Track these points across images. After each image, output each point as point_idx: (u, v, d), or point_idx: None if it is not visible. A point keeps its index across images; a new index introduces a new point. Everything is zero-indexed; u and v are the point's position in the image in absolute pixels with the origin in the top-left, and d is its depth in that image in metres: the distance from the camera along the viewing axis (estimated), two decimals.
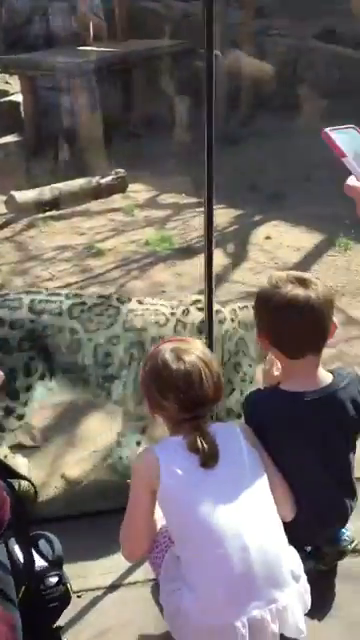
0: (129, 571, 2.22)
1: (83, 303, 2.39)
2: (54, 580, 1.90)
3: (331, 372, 1.94)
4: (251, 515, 1.72)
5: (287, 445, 1.86)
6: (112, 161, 5.79)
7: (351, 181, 1.13)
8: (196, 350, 1.81)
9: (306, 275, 1.88)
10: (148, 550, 1.89)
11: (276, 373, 2.04)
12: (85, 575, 2.19)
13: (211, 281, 2.17)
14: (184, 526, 1.74)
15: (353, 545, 2.11)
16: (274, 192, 5.29)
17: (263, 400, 1.93)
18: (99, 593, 2.15)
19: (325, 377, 1.90)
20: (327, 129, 1.14)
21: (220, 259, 4.41)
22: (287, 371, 1.92)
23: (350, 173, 1.14)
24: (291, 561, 1.77)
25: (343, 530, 2.10)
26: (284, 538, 1.76)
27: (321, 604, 1.92)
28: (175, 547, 1.80)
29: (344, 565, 2.16)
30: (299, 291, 1.80)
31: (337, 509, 2.00)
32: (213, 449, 1.74)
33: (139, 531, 1.86)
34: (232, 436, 1.82)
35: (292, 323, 1.82)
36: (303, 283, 1.82)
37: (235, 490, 1.73)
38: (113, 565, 2.23)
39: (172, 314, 2.41)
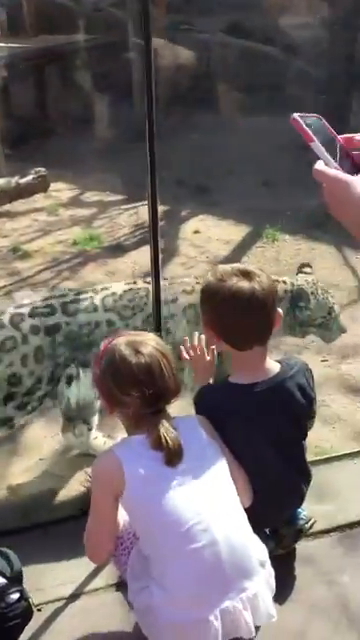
0: (88, 579, 2.18)
1: (114, 293, 2.49)
2: (15, 597, 1.84)
3: (279, 362, 1.96)
4: (218, 508, 1.72)
5: (241, 436, 1.87)
6: (31, 160, 5.65)
7: (319, 165, 1.14)
8: (151, 342, 1.79)
9: (250, 267, 1.89)
10: (113, 550, 1.86)
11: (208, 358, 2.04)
12: (43, 587, 2.13)
13: (158, 276, 2.16)
14: (153, 525, 1.72)
15: (310, 524, 2.15)
16: (199, 186, 5.32)
17: (214, 394, 1.94)
18: (60, 604, 2.09)
19: (273, 367, 1.92)
20: (295, 115, 1.16)
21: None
22: (236, 363, 1.94)
23: (318, 158, 1.15)
24: (257, 549, 1.79)
25: (299, 510, 2.14)
26: (249, 527, 1.78)
27: (282, 589, 1.94)
28: (142, 545, 1.78)
29: (301, 549, 2.20)
30: (244, 284, 1.81)
31: (293, 492, 2.05)
32: (177, 446, 1.72)
33: (104, 534, 1.82)
34: (193, 429, 1.81)
35: (238, 315, 1.83)
36: (247, 275, 1.84)
37: (201, 484, 1.73)
38: (71, 575, 2.18)
39: (197, 283, 2.53)
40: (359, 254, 4.22)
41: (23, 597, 1.86)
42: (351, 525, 2.30)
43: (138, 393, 1.74)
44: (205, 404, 1.92)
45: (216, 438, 1.84)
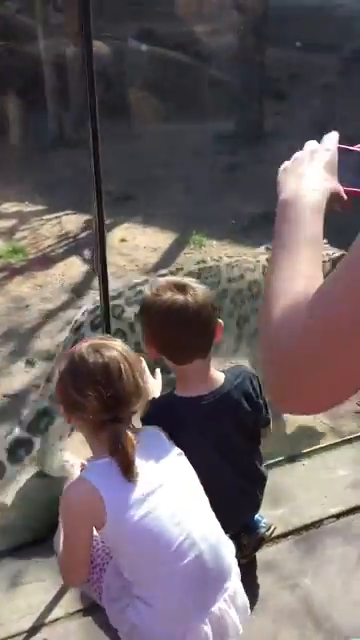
0: (47, 610, 2.10)
1: (191, 272, 2.61)
2: None
3: (223, 372, 1.96)
4: (195, 517, 1.71)
5: (192, 448, 1.83)
6: None
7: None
8: (116, 346, 1.72)
9: (185, 280, 1.88)
10: (89, 573, 1.79)
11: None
12: (2, 622, 2.03)
13: (106, 283, 2.13)
14: (141, 551, 1.67)
15: (271, 530, 2.16)
16: (122, 195, 5.27)
17: (160, 409, 1.89)
18: (20, 639, 2.01)
19: (218, 378, 1.92)
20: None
21: (79, 266, 4.32)
22: (180, 377, 1.91)
23: None
24: (229, 546, 1.79)
25: (259, 517, 2.14)
26: (221, 529, 1.77)
27: (248, 598, 1.93)
28: (126, 571, 1.72)
29: (261, 555, 2.20)
30: (178, 297, 1.80)
31: (246, 499, 2.06)
32: (129, 460, 1.64)
33: (81, 561, 1.74)
34: (160, 440, 1.77)
35: (173, 330, 1.81)
36: (182, 289, 1.82)
37: (178, 495, 1.70)
38: (27, 607, 2.10)
39: (257, 261, 2.71)
40: None
41: None
42: (307, 527, 2.33)
43: (95, 393, 1.65)
44: (152, 418, 1.88)
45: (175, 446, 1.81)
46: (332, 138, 1.15)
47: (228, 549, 1.78)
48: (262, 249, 2.87)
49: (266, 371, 0.88)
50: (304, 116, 6.39)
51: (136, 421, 1.83)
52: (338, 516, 2.36)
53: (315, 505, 2.40)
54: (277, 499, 2.39)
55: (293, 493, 2.45)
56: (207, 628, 1.69)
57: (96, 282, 4.06)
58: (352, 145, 1.19)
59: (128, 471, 1.64)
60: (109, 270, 4.22)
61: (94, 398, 1.65)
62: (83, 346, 1.72)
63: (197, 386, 1.88)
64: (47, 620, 2.07)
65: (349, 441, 2.70)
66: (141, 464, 1.68)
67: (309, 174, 1.07)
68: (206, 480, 1.85)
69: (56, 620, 2.07)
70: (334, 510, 2.38)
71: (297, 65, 7.37)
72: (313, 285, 0.85)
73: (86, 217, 5.03)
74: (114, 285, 3.97)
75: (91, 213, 5.08)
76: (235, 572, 1.79)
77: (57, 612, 2.09)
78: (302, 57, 7.50)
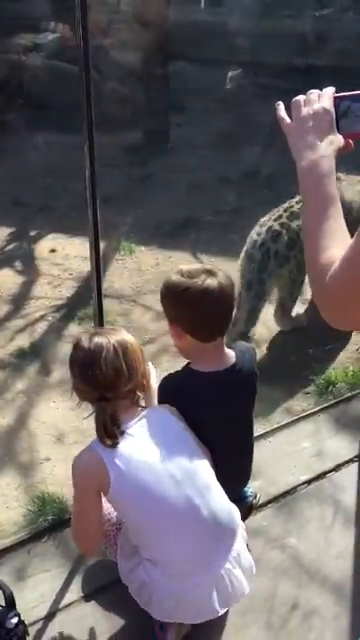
0: (59, 596, 2.19)
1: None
2: (14, 621, 1.84)
3: (231, 348, 2.14)
4: (201, 483, 1.89)
5: (207, 421, 2.02)
6: None
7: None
8: (113, 335, 1.89)
9: (209, 266, 2.06)
10: (103, 538, 1.96)
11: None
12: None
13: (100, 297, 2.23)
14: (146, 516, 1.84)
15: (257, 499, 2.37)
16: (41, 205, 5.33)
17: (178, 383, 2.06)
18: (40, 626, 2.08)
19: (230, 354, 2.10)
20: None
21: (13, 278, 4.35)
22: (198, 354, 2.07)
23: None
24: (235, 510, 1.99)
25: (245, 489, 2.34)
26: (225, 495, 1.96)
27: None
28: (132, 536, 1.90)
29: (248, 523, 2.37)
30: (211, 280, 1.97)
31: (247, 470, 2.26)
32: (108, 432, 1.83)
33: (93, 527, 1.91)
34: (166, 418, 1.95)
35: (208, 310, 1.98)
36: (212, 273, 1.99)
37: (183, 464, 1.88)
38: (39, 596, 2.18)
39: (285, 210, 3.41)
40: (212, 258, 4.54)
41: (20, 620, 1.85)
42: (284, 494, 2.55)
43: (80, 375, 1.88)
44: (168, 391, 2.05)
45: (183, 422, 1.98)
46: (329, 94, 1.33)
47: (233, 513, 1.97)
48: None
49: (317, 301, 1.20)
50: (204, 127, 6.73)
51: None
52: (309, 482, 2.61)
53: (287, 475, 2.64)
54: (253, 473, 2.59)
55: (265, 466, 2.66)
56: (211, 586, 1.87)
57: (35, 292, 4.17)
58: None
59: (108, 438, 1.83)
60: (45, 280, 4.35)
61: (80, 379, 1.88)
62: (83, 332, 1.94)
63: (216, 361, 2.06)
64: (61, 606, 2.16)
65: (304, 418, 2.97)
66: (142, 435, 1.86)
67: (318, 144, 1.28)
68: (218, 450, 2.04)
69: (70, 604, 2.16)
70: (304, 477, 2.63)
71: (193, 79, 7.71)
72: (342, 238, 1.17)
73: (10, 230, 5.06)
74: (59, 295, 4.09)
75: (13, 225, 5.14)
76: (241, 534, 1.98)
77: (69, 597, 2.18)
78: (197, 71, 7.87)
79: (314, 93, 1.35)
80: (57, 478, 2.66)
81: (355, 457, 2.72)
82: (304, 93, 1.36)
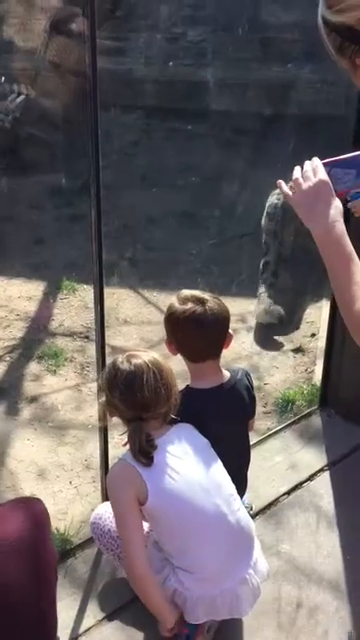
0: (77, 623, 2.25)
1: None
2: None
3: (226, 369, 2.33)
4: (226, 494, 2.05)
5: (207, 434, 2.18)
6: None
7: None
8: (146, 356, 2.02)
9: (206, 295, 2.23)
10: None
11: None
12: None
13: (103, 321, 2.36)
14: (180, 522, 1.98)
15: (252, 509, 2.54)
16: None
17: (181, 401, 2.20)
18: None
19: (225, 374, 2.29)
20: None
21: None
22: (194, 372, 2.27)
23: None
24: (251, 521, 2.15)
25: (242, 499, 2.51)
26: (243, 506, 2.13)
27: None
28: (164, 543, 2.03)
29: None
30: (198, 307, 2.16)
31: (243, 482, 2.42)
32: (147, 449, 1.96)
33: (139, 544, 1.97)
34: (192, 432, 2.11)
35: (191, 334, 2.18)
36: (202, 301, 2.18)
37: (211, 475, 2.04)
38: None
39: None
40: (154, 292, 4.74)
41: None
42: (268, 506, 2.74)
43: (120, 396, 1.99)
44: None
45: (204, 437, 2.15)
46: (318, 166, 1.55)
47: (250, 522, 2.15)
48: None
49: (352, 335, 1.44)
50: (123, 168, 6.97)
51: None
52: (289, 493, 2.81)
53: (268, 487, 2.83)
54: None
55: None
56: (239, 589, 2.04)
57: None
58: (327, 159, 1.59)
59: (143, 457, 1.95)
60: None
61: (120, 399, 1.98)
62: (120, 355, 2.04)
63: (209, 379, 2.24)
64: (81, 631, 2.22)
65: (272, 435, 3.18)
66: (174, 450, 2.00)
67: (327, 212, 1.50)
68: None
69: (90, 629, 2.23)
70: (284, 489, 2.83)
71: (106, 123, 7.97)
72: None
73: None
74: (11, 335, 4.11)
75: None
76: (257, 543, 2.15)
77: (87, 622, 2.25)
78: (108, 116, 8.13)
79: (308, 168, 1.55)
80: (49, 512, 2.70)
81: (325, 466, 2.95)
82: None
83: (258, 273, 4.53)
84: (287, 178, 1.62)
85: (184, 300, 2.18)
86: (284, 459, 3.01)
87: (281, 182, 1.59)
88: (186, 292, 2.23)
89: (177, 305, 2.19)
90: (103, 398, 2.04)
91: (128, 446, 2.02)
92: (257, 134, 6.93)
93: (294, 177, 1.55)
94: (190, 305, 2.16)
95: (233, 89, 8.71)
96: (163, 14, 8.77)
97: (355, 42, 1.34)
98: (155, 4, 8.73)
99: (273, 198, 4.59)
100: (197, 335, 2.18)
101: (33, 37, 6.97)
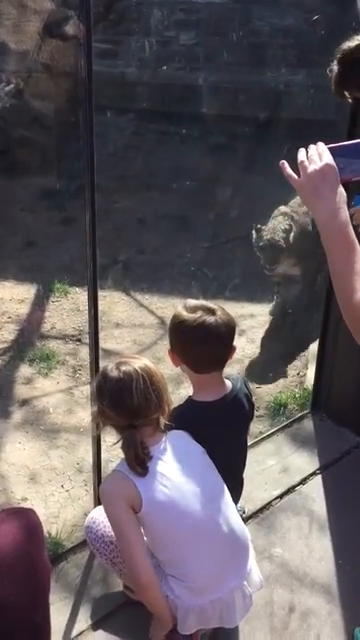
0: (69, 627, 2.24)
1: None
2: None
3: (226, 378, 2.31)
4: (221, 503, 2.03)
5: (209, 446, 2.17)
6: None
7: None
8: (137, 363, 1.99)
9: (213, 306, 2.17)
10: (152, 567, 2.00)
11: None
12: None
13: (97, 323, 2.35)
14: (173, 531, 1.96)
15: (245, 513, 2.54)
16: None
17: (183, 414, 2.19)
18: None
19: (227, 384, 2.27)
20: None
21: None
22: (197, 384, 2.24)
23: None
24: (246, 529, 2.13)
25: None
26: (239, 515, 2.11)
27: None
28: (158, 552, 2.01)
29: None
30: (208, 317, 2.11)
31: (240, 487, 2.42)
32: (138, 459, 1.94)
33: (140, 553, 1.95)
34: (187, 440, 2.10)
35: (200, 344, 2.13)
36: (211, 311, 2.13)
37: (206, 484, 2.03)
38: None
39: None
40: (146, 295, 4.73)
41: None
42: (261, 509, 2.74)
43: (110, 403, 1.96)
44: (176, 422, 2.17)
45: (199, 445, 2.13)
46: (324, 151, 1.51)
47: (245, 531, 2.13)
48: None
49: (349, 326, 1.45)
50: (114, 171, 6.97)
51: None
52: (281, 496, 2.82)
53: (261, 491, 2.83)
54: None
55: None
56: (231, 599, 2.02)
57: None
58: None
59: (139, 466, 1.94)
60: None
61: (111, 407, 1.96)
62: (112, 362, 2.02)
63: (212, 391, 2.21)
64: (72, 636, 2.21)
65: (265, 438, 3.18)
66: (168, 458, 1.99)
67: (332, 197, 1.48)
68: (219, 471, 2.19)
69: (81, 633, 2.22)
70: (276, 492, 2.83)
71: (99, 125, 7.95)
72: None
73: None
74: (3, 338, 4.09)
75: None
76: (252, 553, 2.14)
77: (79, 627, 2.24)
78: (101, 119, 8.12)
79: (314, 152, 1.52)
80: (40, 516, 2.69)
81: (317, 470, 2.96)
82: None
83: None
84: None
85: (193, 309, 2.13)
86: (277, 462, 3.01)
87: (284, 163, 1.53)
88: (193, 301, 2.18)
89: (186, 314, 2.13)
90: (95, 407, 2.03)
91: (122, 454, 2.01)
92: (249, 138, 6.95)
93: (299, 159, 1.51)
94: (200, 314, 2.12)
95: (225, 93, 8.74)
96: (156, 17, 8.77)
97: None
98: (148, 8, 8.73)
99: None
100: (207, 345, 2.12)
101: (26, 39, 6.95)
